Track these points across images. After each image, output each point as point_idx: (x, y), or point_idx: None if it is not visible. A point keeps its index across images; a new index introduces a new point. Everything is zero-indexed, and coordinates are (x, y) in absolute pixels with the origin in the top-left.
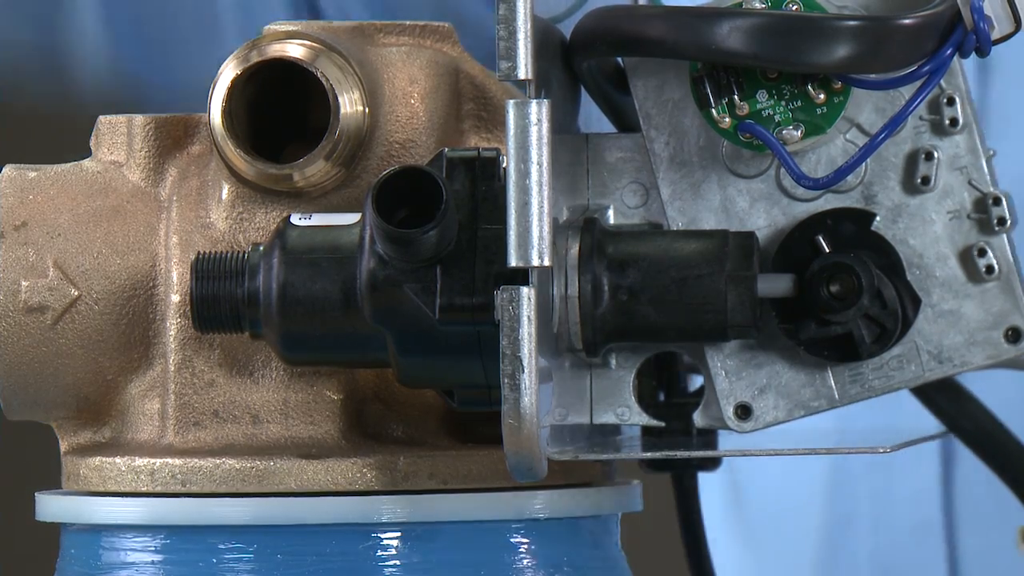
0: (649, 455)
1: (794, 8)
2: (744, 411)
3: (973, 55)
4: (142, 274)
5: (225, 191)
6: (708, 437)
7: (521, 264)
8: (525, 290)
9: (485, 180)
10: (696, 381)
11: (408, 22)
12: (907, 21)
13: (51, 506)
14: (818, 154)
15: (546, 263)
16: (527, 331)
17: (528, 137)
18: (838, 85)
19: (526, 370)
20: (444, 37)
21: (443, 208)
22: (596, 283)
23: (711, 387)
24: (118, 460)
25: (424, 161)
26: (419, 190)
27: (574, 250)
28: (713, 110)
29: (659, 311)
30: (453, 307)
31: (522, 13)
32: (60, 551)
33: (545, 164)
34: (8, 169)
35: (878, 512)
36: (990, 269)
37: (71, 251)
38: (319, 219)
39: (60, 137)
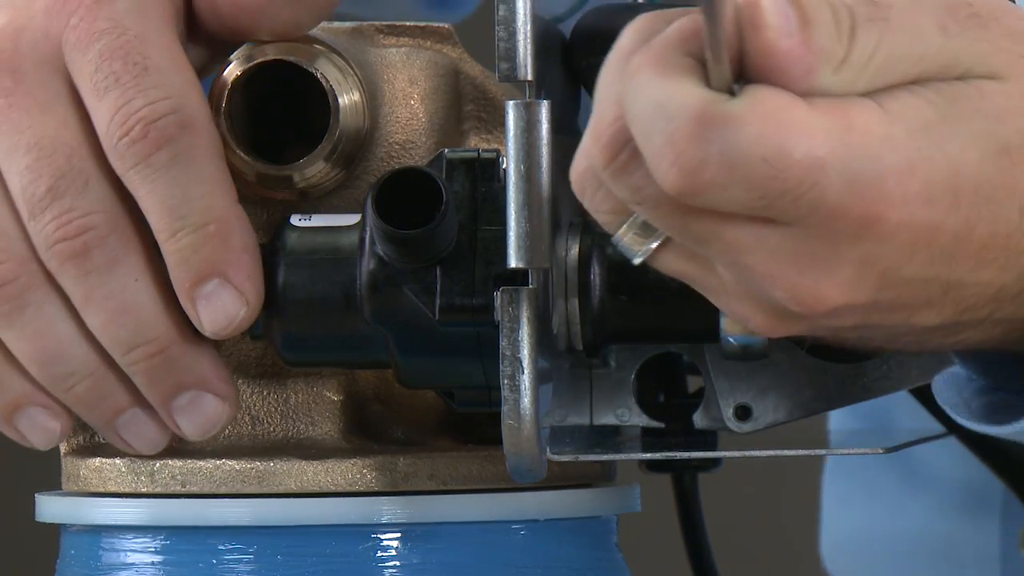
0: (649, 456)
1: None
2: (744, 412)
3: None
4: None
5: None
6: (708, 437)
7: (521, 265)
8: (525, 291)
9: (485, 181)
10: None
11: (408, 23)
12: None
13: (51, 507)
14: None
15: (546, 264)
16: (526, 332)
17: (528, 138)
18: None
19: (526, 371)
20: (444, 38)
21: (443, 209)
22: (596, 284)
23: (711, 388)
24: (118, 461)
25: (424, 162)
26: (419, 191)
27: (574, 251)
28: None
29: (659, 312)
30: (453, 308)
31: (522, 14)
32: (60, 552)
33: (545, 165)
34: None
35: None
36: None
37: None
38: (319, 220)
39: None
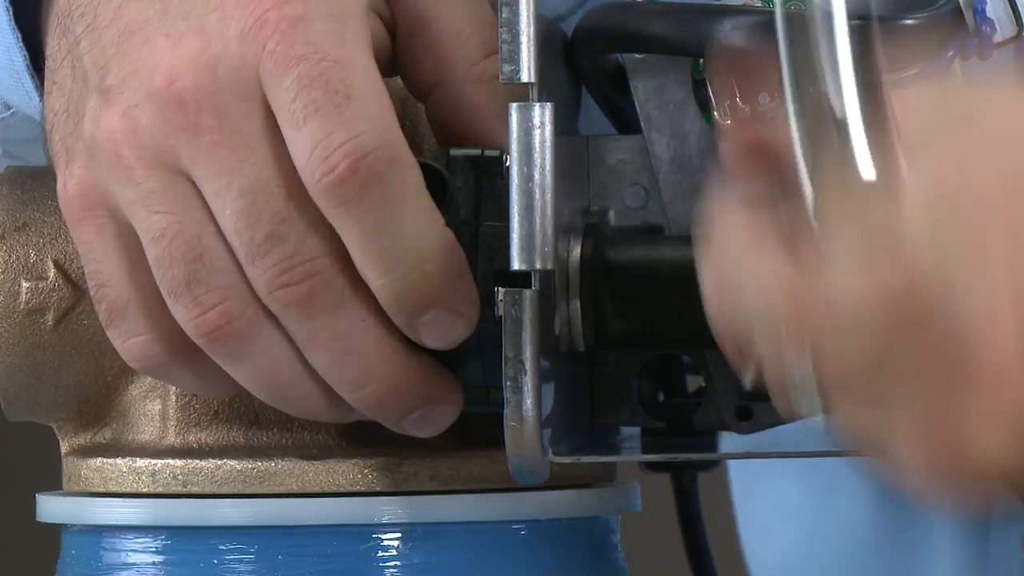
0: (650, 457)
1: (793, 8)
2: (745, 412)
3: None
4: None
5: None
6: (708, 438)
7: (524, 267)
8: (528, 293)
9: (488, 178)
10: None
11: None
12: (909, 22)
13: (52, 507)
14: None
15: (549, 266)
16: (529, 334)
17: (531, 140)
18: None
19: (528, 373)
20: None
21: (447, 203)
22: (598, 286)
23: (712, 389)
24: (119, 461)
25: (429, 158)
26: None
27: (576, 252)
28: (715, 112)
29: (660, 314)
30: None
31: (525, 16)
32: (61, 552)
33: (548, 167)
34: (8, 170)
35: None
36: None
37: (72, 252)
38: None
39: None
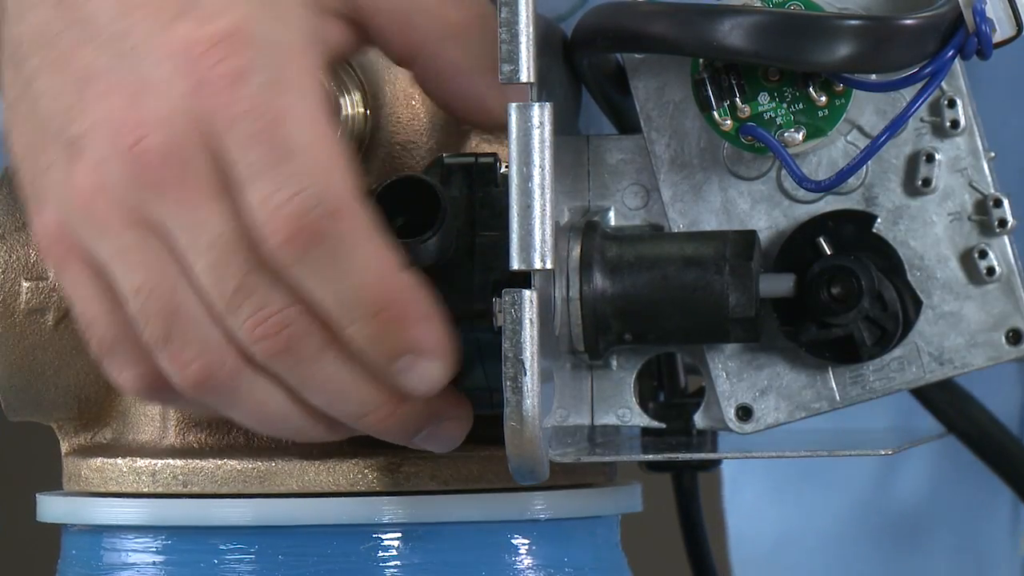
0: (651, 457)
1: (792, 8)
2: (745, 412)
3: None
4: None
5: None
6: (708, 438)
7: (523, 267)
8: (527, 293)
9: (483, 186)
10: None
11: None
12: (909, 22)
13: (52, 507)
14: (819, 156)
15: (548, 266)
16: (529, 334)
17: (530, 140)
18: (839, 87)
19: (528, 373)
20: None
21: (441, 217)
22: (598, 285)
23: (712, 388)
24: (119, 461)
25: (424, 163)
26: (418, 198)
27: (575, 252)
28: (715, 112)
29: (661, 313)
30: (452, 314)
31: (524, 16)
32: (61, 552)
33: (547, 167)
34: (8, 170)
35: None
36: (991, 271)
37: None
38: None
39: None
